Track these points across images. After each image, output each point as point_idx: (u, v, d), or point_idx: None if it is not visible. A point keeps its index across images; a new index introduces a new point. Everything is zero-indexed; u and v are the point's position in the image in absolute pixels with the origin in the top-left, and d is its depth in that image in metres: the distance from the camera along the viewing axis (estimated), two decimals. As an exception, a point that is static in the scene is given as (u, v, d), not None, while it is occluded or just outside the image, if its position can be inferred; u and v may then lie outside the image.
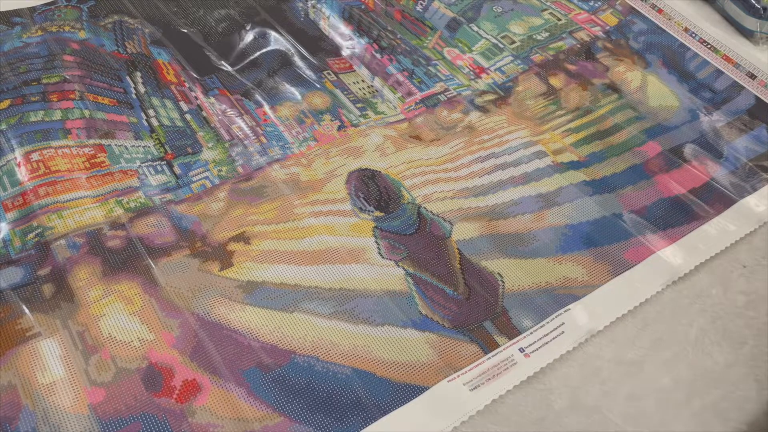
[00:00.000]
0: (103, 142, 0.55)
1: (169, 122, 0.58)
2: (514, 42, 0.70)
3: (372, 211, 0.53)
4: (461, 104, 0.63)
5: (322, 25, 0.70)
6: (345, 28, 0.69)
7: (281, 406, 0.41)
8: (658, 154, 0.59)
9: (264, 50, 0.66)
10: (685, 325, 0.48)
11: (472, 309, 0.47)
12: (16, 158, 0.52)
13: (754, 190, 0.56)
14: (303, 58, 0.66)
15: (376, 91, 0.64)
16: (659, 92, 0.65)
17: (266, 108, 0.61)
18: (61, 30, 0.64)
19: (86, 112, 0.57)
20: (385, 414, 0.41)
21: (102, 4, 0.68)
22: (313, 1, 0.71)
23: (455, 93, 0.64)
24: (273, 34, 0.68)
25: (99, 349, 0.43)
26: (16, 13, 0.66)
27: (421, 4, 0.73)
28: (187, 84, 0.62)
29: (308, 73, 0.65)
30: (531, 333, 0.46)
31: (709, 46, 0.69)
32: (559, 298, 0.48)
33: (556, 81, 0.66)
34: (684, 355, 0.46)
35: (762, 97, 0.65)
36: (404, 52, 0.67)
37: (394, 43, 0.68)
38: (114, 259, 0.48)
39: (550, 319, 0.47)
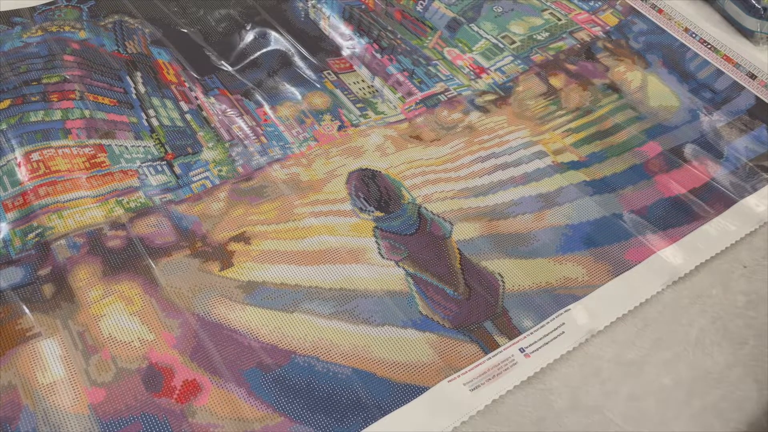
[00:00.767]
0: (103, 142, 0.55)
1: (169, 122, 0.58)
2: (514, 42, 0.70)
3: (372, 211, 0.53)
4: (461, 104, 0.63)
5: (323, 25, 0.70)
6: (345, 28, 0.69)
7: (281, 406, 0.41)
8: (658, 154, 0.59)
9: (264, 50, 0.66)
10: (685, 326, 0.48)
11: (473, 309, 0.47)
12: (16, 158, 0.52)
13: (755, 190, 0.56)
14: (303, 58, 0.66)
15: (377, 91, 0.64)
16: (659, 92, 0.65)
17: (266, 108, 0.61)
18: (62, 30, 0.64)
19: (86, 112, 0.57)
20: (386, 414, 0.41)
21: (102, 4, 0.68)
22: (313, 1, 0.71)
23: (455, 93, 0.64)
24: (273, 34, 0.68)
25: (99, 349, 0.43)
26: (16, 13, 0.66)
27: (422, 4, 0.73)
28: (187, 84, 0.62)
29: (308, 73, 0.65)
30: (531, 333, 0.46)
31: (709, 46, 0.69)
32: (559, 298, 0.48)
33: (556, 81, 0.66)
34: (684, 355, 0.46)
35: (762, 97, 0.65)
36: (404, 52, 0.67)
37: (394, 43, 0.68)
38: (114, 259, 0.48)
39: (550, 319, 0.47)
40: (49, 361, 0.42)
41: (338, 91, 0.63)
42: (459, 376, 0.43)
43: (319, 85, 0.64)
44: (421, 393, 0.42)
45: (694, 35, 0.70)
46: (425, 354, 0.44)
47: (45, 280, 0.46)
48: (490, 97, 0.64)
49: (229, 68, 0.64)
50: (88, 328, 0.44)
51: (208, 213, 0.52)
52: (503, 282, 0.49)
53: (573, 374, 0.45)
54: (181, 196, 0.53)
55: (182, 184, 0.54)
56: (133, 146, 0.56)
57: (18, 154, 0.53)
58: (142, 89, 0.61)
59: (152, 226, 0.50)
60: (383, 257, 0.50)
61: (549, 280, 0.49)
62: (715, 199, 0.55)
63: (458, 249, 0.51)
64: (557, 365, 0.45)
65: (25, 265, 0.47)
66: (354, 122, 0.60)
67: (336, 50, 0.68)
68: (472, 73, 0.66)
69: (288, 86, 0.63)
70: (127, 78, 0.61)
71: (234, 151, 0.57)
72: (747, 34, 0.71)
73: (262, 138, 0.58)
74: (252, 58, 0.65)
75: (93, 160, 0.54)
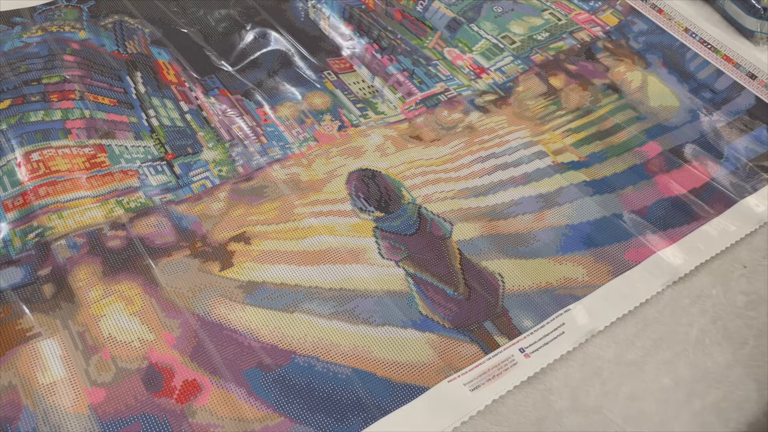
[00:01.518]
0: (104, 142, 0.55)
1: (169, 122, 0.58)
2: (514, 42, 0.70)
3: (372, 212, 0.53)
4: (461, 104, 0.63)
5: (323, 25, 0.70)
6: (345, 28, 0.69)
7: (281, 406, 0.41)
8: (658, 155, 0.59)
9: (264, 50, 0.66)
10: (685, 326, 0.48)
11: (473, 309, 0.47)
12: (16, 158, 0.52)
13: (755, 190, 0.56)
14: (303, 58, 0.66)
15: (377, 91, 0.64)
16: (659, 92, 0.65)
17: (266, 108, 0.61)
18: (62, 30, 0.64)
19: (86, 112, 0.57)
20: (386, 414, 0.41)
21: (102, 4, 0.68)
22: (313, 1, 0.71)
23: (455, 93, 0.64)
24: (273, 34, 0.68)
25: (99, 350, 0.43)
26: (16, 13, 0.66)
27: (422, 4, 0.73)
28: (187, 84, 0.62)
29: (308, 73, 0.65)
30: (531, 333, 0.46)
31: (709, 46, 0.69)
32: (559, 298, 0.48)
33: (556, 81, 0.66)
34: (684, 355, 0.46)
35: (762, 97, 0.65)
36: (404, 52, 0.67)
37: (394, 43, 0.68)
38: (114, 259, 0.48)
39: (550, 320, 0.47)
40: (49, 361, 0.42)
41: (338, 91, 0.63)
42: (459, 376, 0.43)
43: (319, 85, 0.64)
44: (421, 393, 0.42)
45: (694, 35, 0.70)
46: (425, 354, 0.44)
47: (45, 280, 0.46)
48: (490, 97, 0.64)
49: (229, 68, 0.64)
50: (88, 328, 0.44)
51: (208, 213, 0.52)
52: (503, 282, 0.49)
53: (573, 374, 0.45)
54: (181, 196, 0.53)
55: (182, 184, 0.54)
56: (133, 146, 0.56)
57: (18, 154, 0.53)
58: (142, 89, 0.61)
59: (152, 226, 0.50)
60: (383, 257, 0.50)
61: (549, 280, 0.49)
62: (715, 199, 0.55)
63: (458, 249, 0.51)
64: (557, 365, 0.45)
65: (25, 265, 0.47)
66: (354, 122, 0.60)
67: (336, 50, 0.68)
68: (472, 73, 0.66)
69: (288, 86, 0.63)
70: (127, 78, 0.61)
71: (234, 151, 0.57)
72: (747, 34, 0.71)
73: (262, 138, 0.58)
74: (252, 58, 0.65)
75: (93, 160, 0.54)
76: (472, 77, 0.66)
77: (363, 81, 0.65)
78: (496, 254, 0.51)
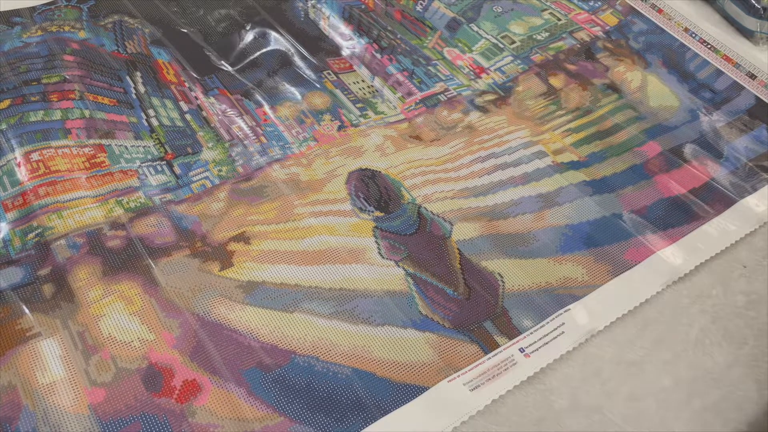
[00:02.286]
0: (103, 142, 0.55)
1: (169, 122, 0.58)
2: (514, 42, 0.70)
3: (372, 211, 0.53)
4: (461, 104, 0.63)
5: (322, 25, 0.70)
6: (345, 28, 0.69)
7: (281, 406, 0.41)
8: (658, 154, 0.59)
9: (264, 50, 0.66)
10: (685, 326, 0.48)
11: (473, 309, 0.47)
12: (16, 158, 0.52)
13: (755, 190, 0.56)
14: (303, 58, 0.66)
15: (376, 91, 0.64)
16: (659, 92, 0.65)
17: (266, 108, 0.61)
18: (61, 30, 0.64)
19: (86, 112, 0.57)
20: (386, 414, 0.41)
21: (102, 4, 0.68)
22: (313, 1, 0.71)
23: (455, 93, 0.64)
24: (273, 34, 0.68)
25: (99, 349, 0.43)
26: (16, 13, 0.66)
27: (421, 4, 0.73)
28: (187, 84, 0.62)
29: (308, 73, 0.65)
30: (531, 333, 0.46)
31: (709, 46, 0.69)
32: (559, 298, 0.48)
33: (556, 81, 0.66)
34: (684, 355, 0.46)
35: (762, 97, 0.65)
36: (404, 52, 0.67)
37: (394, 43, 0.68)
38: (114, 259, 0.48)
39: (550, 319, 0.47)
40: (49, 361, 0.42)
41: (338, 91, 0.63)
42: (459, 376, 0.43)
43: (319, 85, 0.64)
44: (421, 393, 0.42)
45: (694, 35, 0.70)
46: (425, 354, 0.44)
47: (45, 280, 0.46)
48: (490, 97, 0.64)
49: (229, 68, 0.64)
50: (88, 328, 0.44)
51: (208, 213, 0.52)
52: (503, 282, 0.49)
53: (573, 374, 0.45)
54: (181, 196, 0.53)
55: (182, 184, 0.54)
56: (133, 146, 0.56)
57: (18, 154, 0.53)
58: (142, 89, 0.61)
59: (152, 226, 0.50)
60: (383, 257, 0.50)
61: (549, 280, 0.49)
62: (715, 199, 0.55)
63: (458, 249, 0.51)
64: (557, 365, 0.45)
65: (25, 265, 0.47)
66: (354, 122, 0.60)
67: (336, 50, 0.68)
68: (472, 73, 0.66)
69: (288, 86, 0.63)
70: (127, 78, 0.61)
71: (234, 151, 0.57)
72: (747, 34, 0.71)
73: (262, 138, 0.58)
74: (252, 58, 0.65)
75: (93, 160, 0.54)
76: (472, 77, 0.66)
77: (363, 81, 0.65)
78: (496, 254, 0.51)
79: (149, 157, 0.55)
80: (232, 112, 0.60)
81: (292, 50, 0.66)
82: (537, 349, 0.45)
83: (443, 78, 0.65)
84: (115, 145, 0.55)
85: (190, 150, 0.56)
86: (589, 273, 0.50)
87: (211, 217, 0.51)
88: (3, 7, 0.66)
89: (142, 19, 0.68)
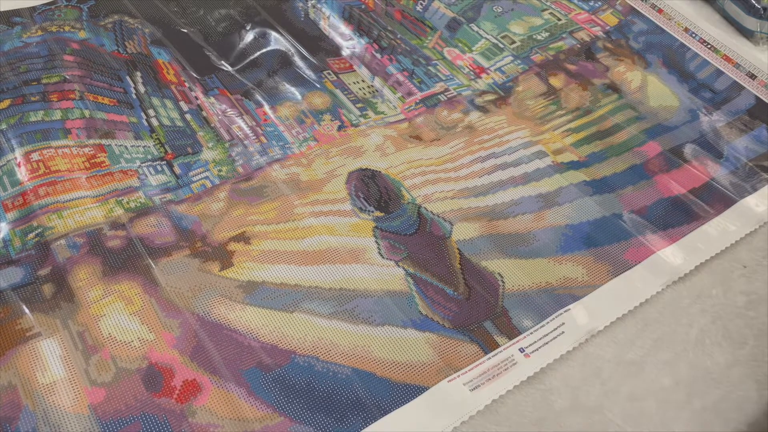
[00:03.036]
0: (103, 142, 0.55)
1: (169, 122, 0.58)
2: (514, 42, 0.70)
3: (372, 211, 0.53)
4: (461, 104, 0.63)
5: (322, 25, 0.70)
6: (345, 28, 0.69)
7: (281, 406, 0.41)
8: (658, 154, 0.59)
9: (264, 50, 0.66)
10: (685, 326, 0.48)
11: (473, 309, 0.47)
12: (16, 158, 0.52)
13: (755, 190, 0.56)
14: (303, 58, 0.66)
15: (376, 91, 0.64)
16: (659, 92, 0.65)
17: (266, 108, 0.61)
18: (61, 30, 0.64)
19: (86, 112, 0.57)
20: (386, 414, 0.41)
21: (102, 4, 0.68)
22: (313, 1, 0.71)
23: (455, 93, 0.64)
24: (273, 34, 0.68)
25: (99, 349, 0.43)
26: (16, 13, 0.66)
27: (421, 4, 0.73)
28: (187, 84, 0.62)
29: (308, 73, 0.65)
30: (531, 333, 0.46)
31: (709, 46, 0.69)
32: (559, 298, 0.48)
33: (556, 81, 0.66)
34: (684, 355, 0.46)
35: (762, 97, 0.65)
36: (404, 52, 0.67)
37: (394, 43, 0.68)
38: (114, 259, 0.48)
39: (550, 319, 0.47)
40: (49, 361, 0.42)
41: (338, 91, 0.63)
42: (459, 376, 0.43)
43: (319, 85, 0.64)
44: (421, 393, 0.42)
45: (694, 35, 0.70)
46: (425, 354, 0.44)
47: (45, 280, 0.46)
48: (490, 97, 0.64)
49: (229, 68, 0.64)
50: (88, 328, 0.44)
51: (208, 213, 0.52)
52: (503, 282, 0.49)
53: (573, 374, 0.45)
54: (181, 196, 0.53)
55: (182, 184, 0.54)
56: (133, 146, 0.56)
57: (18, 154, 0.53)
58: (142, 89, 0.61)
59: (152, 226, 0.50)
60: (383, 257, 0.50)
61: (549, 280, 0.49)
62: (715, 199, 0.55)
63: (458, 249, 0.51)
64: (557, 365, 0.45)
65: (25, 265, 0.47)
66: (354, 122, 0.60)
67: (336, 50, 0.68)
68: (472, 73, 0.66)
69: (288, 86, 0.63)
70: (127, 78, 0.61)
71: (234, 151, 0.57)
72: (747, 34, 0.71)
73: (262, 138, 0.58)
74: (252, 58, 0.65)
75: (93, 160, 0.54)
76: (472, 77, 0.66)
77: (363, 81, 0.65)
78: (496, 254, 0.51)
79: (149, 157, 0.55)
80: (232, 112, 0.60)
81: (292, 50, 0.66)
82: (537, 349, 0.45)
83: (443, 78, 0.65)
84: (115, 145, 0.55)
85: (190, 150, 0.56)
86: (589, 273, 0.50)
87: (211, 217, 0.51)
88: (3, 7, 0.66)
89: (142, 19, 0.68)
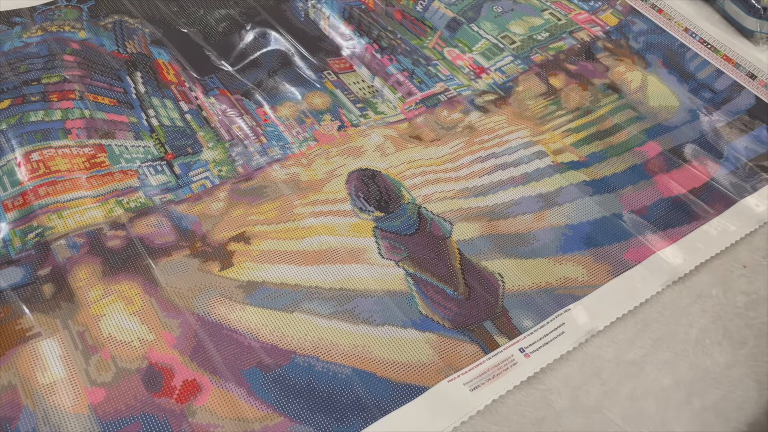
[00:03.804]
0: (103, 142, 0.55)
1: (169, 122, 0.58)
2: (514, 42, 0.70)
3: (372, 211, 0.53)
4: (461, 104, 0.63)
5: (323, 25, 0.70)
6: (345, 28, 0.69)
7: (281, 406, 0.41)
8: (658, 154, 0.59)
9: (264, 50, 0.66)
10: (685, 326, 0.48)
11: (473, 309, 0.47)
12: (16, 158, 0.52)
13: (755, 190, 0.56)
14: (303, 58, 0.66)
15: (377, 91, 0.64)
16: (659, 92, 0.65)
17: (266, 108, 0.61)
18: (62, 30, 0.64)
19: (86, 112, 0.57)
20: (386, 414, 0.41)
21: (102, 4, 0.68)
22: (313, 1, 0.71)
23: (455, 93, 0.64)
24: (273, 34, 0.68)
25: (99, 349, 0.43)
26: (16, 13, 0.66)
27: (421, 4, 0.73)
28: (187, 84, 0.62)
29: (308, 73, 0.65)
30: (531, 333, 0.46)
31: (709, 46, 0.69)
32: (559, 298, 0.48)
33: (556, 81, 0.66)
34: (684, 355, 0.46)
35: (762, 97, 0.65)
36: (404, 52, 0.67)
37: (394, 43, 0.68)
38: (114, 259, 0.48)
39: (550, 319, 0.47)
40: (49, 361, 0.42)
41: (338, 91, 0.63)
42: (459, 376, 0.43)
43: (319, 85, 0.64)
44: (421, 393, 0.42)
45: (694, 35, 0.70)
46: (425, 354, 0.44)
47: (45, 280, 0.46)
48: (490, 97, 0.64)
49: (229, 68, 0.64)
50: (88, 328, 0.44)
51: (208, 213, 0.52)
52: (503, 282, 0.49)
53: (573, 374, 0.45)
54: (181, 196, 0.53)
55: (182, 184, 0.54)
56: (133, 146, 0.56)
57: (18, 154, 0.53)
58: (142, 89, 0.61)
59: (152, 226, 0.50)
60: (383, 257, 0.50)
61: (549, 280, 0.49)
62: (715, 199, 0.55)
63: (458, 249, 0.51)
64: (557, 365, 0.45)
65: (25, 265, 0.47)
66: (354, 122, 0.60)
67: (336, 50, 0.68)
68: (472, 73, 0.66)
69: (288, 86, 0.63)
70: (127, 78, 0.61)
71: (234, 151, 0.57)
72: (747, 34, 0.71)
73: (262, 138, 0.58)
74: (252, 58, 0.65)
75: (93, 160, 0.54)
76: (472, 77, 0.66)
77: (363, 81, 0.65)
78: (496, 254, 0.51)
79: (149, 157, 0.55)
80: (232, 112, 0.60)
81: (293, 50, 0.66)
82: (537, 349, 0.45)
83: (443, 78, 0.65)
84: (115, 145, 0.55)
85: (190, 150, 0.56)
86: (589, 273, 0.50)
87: (211, 217, 0.51)
88: (3, 7, 0.66)
89: (142, 19, 0.68)
